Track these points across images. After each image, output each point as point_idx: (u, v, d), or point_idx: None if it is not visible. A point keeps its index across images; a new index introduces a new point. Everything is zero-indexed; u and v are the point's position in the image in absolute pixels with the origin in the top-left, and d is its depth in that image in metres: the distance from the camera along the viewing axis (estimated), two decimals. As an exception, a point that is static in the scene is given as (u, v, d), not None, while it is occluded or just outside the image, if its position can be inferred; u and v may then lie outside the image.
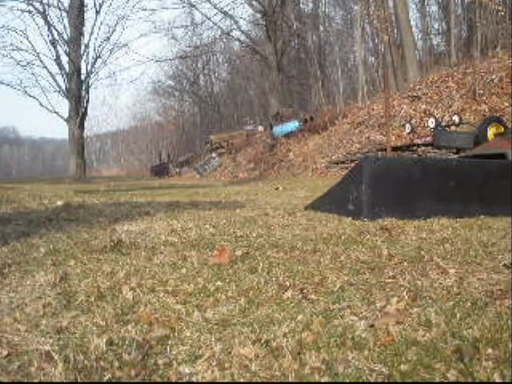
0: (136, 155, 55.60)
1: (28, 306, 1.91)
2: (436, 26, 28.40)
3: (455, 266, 2.35)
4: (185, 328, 1.65)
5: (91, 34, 23.63)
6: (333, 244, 2.96)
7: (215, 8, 27.56)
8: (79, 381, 1.30)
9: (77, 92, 22.92)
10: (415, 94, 16.84)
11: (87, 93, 23.69)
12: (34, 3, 22.67)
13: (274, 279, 2.20)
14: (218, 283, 2.17)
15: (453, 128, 12.75)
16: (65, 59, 23.24)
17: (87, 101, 23.77)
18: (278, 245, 2.99)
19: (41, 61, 23.52)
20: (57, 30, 23.00)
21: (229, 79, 45.14)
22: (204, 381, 1.30)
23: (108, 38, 24.29)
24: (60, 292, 2.07)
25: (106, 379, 1.31)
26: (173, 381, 1.31)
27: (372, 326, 1.61)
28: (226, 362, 1.38)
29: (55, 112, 23.21)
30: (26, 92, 23.46)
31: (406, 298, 1.88)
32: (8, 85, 23.53)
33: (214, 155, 27.32)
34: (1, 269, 2.49)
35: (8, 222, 4.19)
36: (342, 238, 3.18)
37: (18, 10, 22.85)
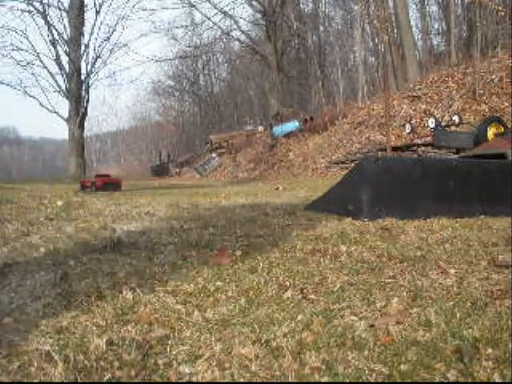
0: (136, 155, 55.59)
1: (28, 306, 1.91)
2: (436, 26, 28.43)
3: (455, 266, 2.35)
4: (185, 328, 1.65)
5: (91, 34, 23.61)
6: (333, 244, 2.96)
7: (215, 8, 27.59)
8: (79, 381, 1.30)
9: (77, 92, 22.91)
10: (415, 94, 16.85)
11: (87, 93, 23.67)
12: (34, 3, 22.65)
13: (273, 279, 2.20)
14: (218, 283, 2.17)
15: (453, 128, 12.75)
16: (65, 59, 23.23)
17: (87, 101, 23.75)
18: (278, 245, 2.99)
19: (41, 61, 23.50)
20: (57, 30, 22.99)
21: (229, 79, 45.14)
22: (204, 381, 1.30)
23: (108, 38, 24.27)
24: (60, 292, 2.07)
25: (106, 379, 1.31)
26: (173, 381, 1.31)
27: (372, 326, 1.61)
28: (226, 362, 1.38)
29: (55, 112, 23.19)
30: (26, 92, 23.44)
31: (406, 298, 1.88)
32: (8, 85, 23.50)
33: (213, 155, 27.33)
34: (1, 269, 2.49)
35: (8, 222, 4.18)
36: (342, 238, 3.18)
37: (17, 10, 22.83)
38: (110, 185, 11.39)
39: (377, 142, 15.86)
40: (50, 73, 23.36)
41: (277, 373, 1.32)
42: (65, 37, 22.97)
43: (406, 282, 2.10)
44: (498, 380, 1.24)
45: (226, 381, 1.30)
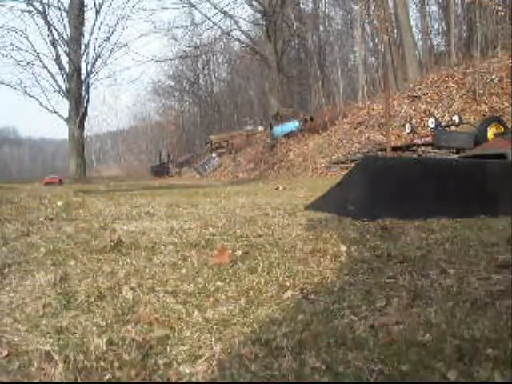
0: (136, 155, 55.64)
1: (28, 306, 1.91)
2: (436, 26, 28.47)
3: (455, 265, 2.35)
4: (185, 328, 1.65)
5: (91, 34, 23.66)
6: (333, 244, 2.96)
7: (215, 8, 27.54)
8: (79, 381, 1.30)
9: (77, 92, 22.93)
10: (415, 94, 16.85)
11: (87, 93, 23.71)
12: (34, 3, 22.69)
13: (274, 279, 2.20)
14: (218, 283, 2.17)
15: (453, 128, 12.76)
16: (65, 59, 23.27)
17: (87, 101, 23.79)
18: (278, 245, 2.99)
19: (41, 61, 23.56)
20: (57, 30, 23.03)
21: (229, 79, 45.14)
22: (204, 381, 1.30)
23: (108, 38, 24.33)
24: (60, 292, 2.07)
25: (106, 379, 1.31)
26: (173, 381, 1.31)
27: (372, 326, 1.61)
28: (225, 362, 1.38)
29: (55, 112, 23.23)
30: (26, 92, 23.49)
31: (406, 298, 1.88)
32: (8, 85, 23.55)
33: (213, 155, 27.35)
34: (1, 269, 2.49)
35: (8, 222, 4.18)
36: (342, 238, 3.18)
37: (17, 10, 22.89)
38: (50, 184, 17.79)
39: (377, 142, 15.86)
40: (50, 73, 23.41)
41: (277, 373, 1.32)
42: (65, 37, 23.01)
43: (406, 282, 2.10)
44: (498, 380, 1.23)
45: (225, 381, 1.30)
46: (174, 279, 2.25)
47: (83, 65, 23.46)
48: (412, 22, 22.41)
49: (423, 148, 12.70)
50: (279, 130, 22.50)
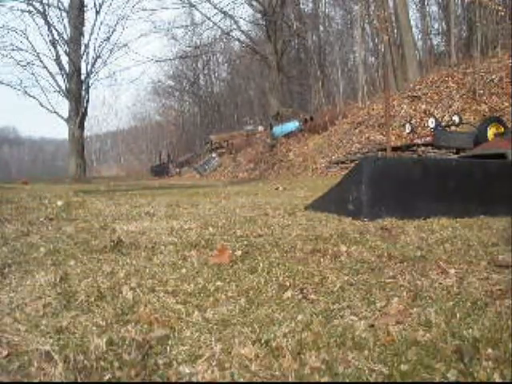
0: (136, 155, 55.60)
1: (28, 306, 1.90)
2: (436, 26, 28.48)
3: (455, 266, 2.35)
4: (185, 328, 1.65)
5: (91, 34, 23.62)
6: (333, 244, 2.96)
7: (215, 8, 27.52)
8: (79, 381, 1.30)
9: (77, 92, 22.91)
10: (415, 94, 16.85)
11: (87, 93, 23.68)
12: (34, 3, 22.66)
13: (274, 279, 2.20)
14: (218, 283, 2.17)
15: (453, 128, 12.76)
16: (65, 59, 23.24)
17: (87, 101, 23.76)
18: (278, 245, 2.99)
19: (41, 61, 23.50)
20: (57, 30, 23.00)
21: (229, 79, 45.10)
22: (204, 381, 1.30)
23: (108, 38, 24.28)
24: (60, 292, 2.07)
25: (106, 379, 1.31)
26: (173, 381, 1.31)
27: (372, 325, 1.61)
28: (226, 362, 1.38)
29: (55, 112, 23.19)
30: (26, 92, 23.43)
31: (406, 298, 1.88)
32: (8, 85, 23.51)
33: (214, 155, 27.33)
34: (1, 269, 2.49)
35: (8, 222, 4.18)
36: (342, 238, 3.18)
37: (17, 10, 22.84)
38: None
39: (377, 142, 15.86)
40: (50, 73, 23.37)
41: (277, 373, 1.32)
42: (65, 37, 22.98)
43: (406, 282, 2.10)
44: (498, 380, 1.24)
45: (225, 381, 1.30)
46: (173, 279, 2.25)
47: (83, 65, 23.44)
48: (412, 22, 22.43)
49: (423, 148, 12.70)
50: (279, 129, 22.50)
